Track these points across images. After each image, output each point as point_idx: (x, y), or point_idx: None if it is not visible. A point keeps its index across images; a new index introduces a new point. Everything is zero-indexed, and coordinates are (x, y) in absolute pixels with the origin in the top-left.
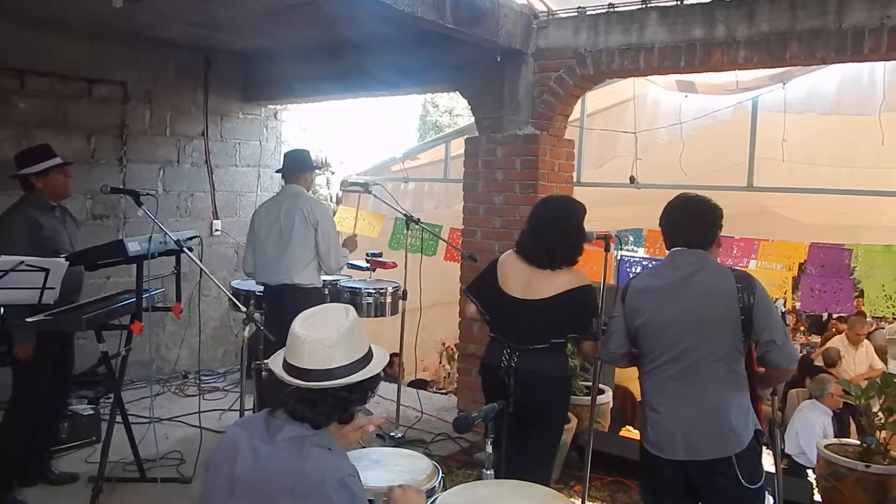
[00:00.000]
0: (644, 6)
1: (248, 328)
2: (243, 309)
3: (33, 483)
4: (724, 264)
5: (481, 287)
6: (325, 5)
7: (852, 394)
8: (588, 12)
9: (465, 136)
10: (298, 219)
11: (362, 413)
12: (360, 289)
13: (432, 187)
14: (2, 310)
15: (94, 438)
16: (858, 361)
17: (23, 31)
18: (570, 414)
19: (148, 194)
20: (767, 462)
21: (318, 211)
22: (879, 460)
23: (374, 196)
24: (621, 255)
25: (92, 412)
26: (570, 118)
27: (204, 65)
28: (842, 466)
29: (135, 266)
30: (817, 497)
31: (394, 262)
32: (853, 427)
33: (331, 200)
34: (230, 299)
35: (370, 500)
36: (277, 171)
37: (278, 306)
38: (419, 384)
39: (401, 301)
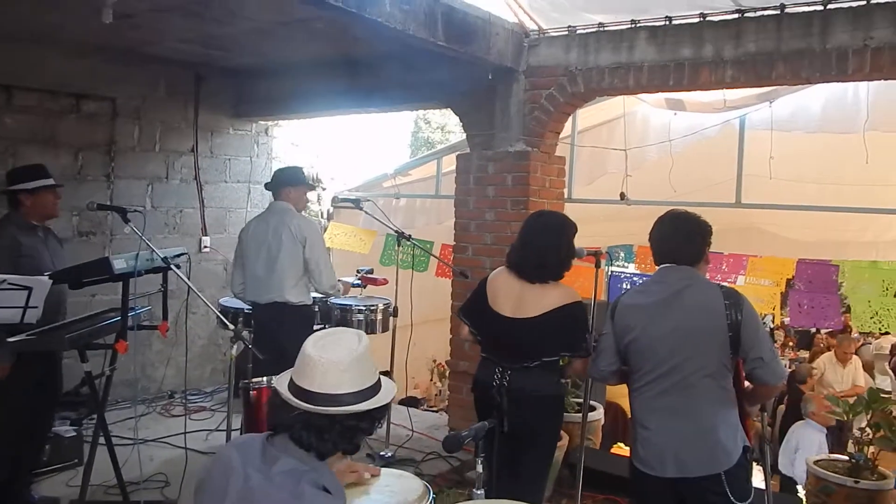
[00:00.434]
0: (633, 26)
1: (236, 346)
2: (231, 327)
3: None
4: (712, 280)
5: (473, 308)
6: (318, 23)
7: (840, 410)
8: (578, 31)
9: (457, 153)
10: (286, 236)
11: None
12: (351, 305)
13: (424, 203)
14: None
15: (76, 461)
16: (846, 379)
17: (11, 46)
18: (561, 431)
19: (135, 211)
20: (758, 478)
21: (306, 228)
22: (868, 476)
23: (366, 212)
24: (612, 272)
25: (74, 434)
26: (561, 135)
27: (195, 81)
28: (831, 482)
29: (120, 284)
30: None
31: (385, 279)
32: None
33: (322, 216)
34: (218, 317)
35: None
36: (266, 187)
37: (267, 324)
38: (410, 402)
39: (392, 318)
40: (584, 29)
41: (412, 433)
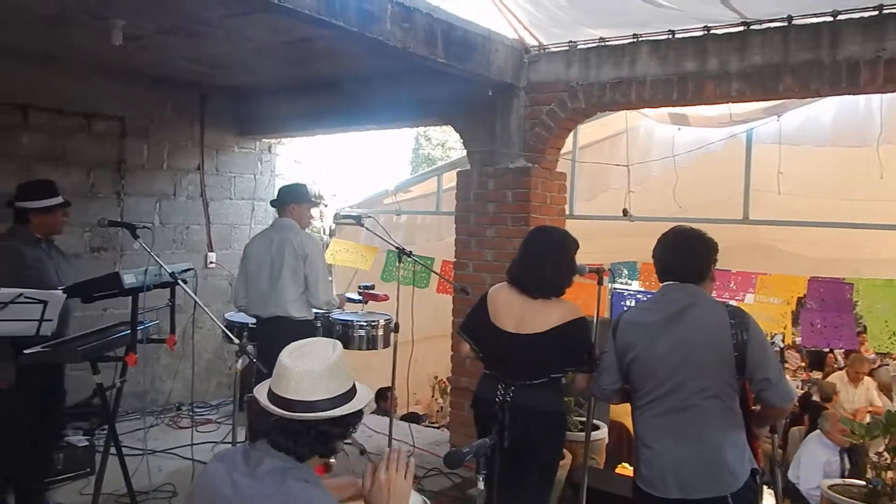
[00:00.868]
0: (635, 40)
1: (241, 360)
2: (236, 341)
3: None
4: (720, 298)
5: (473, 325)
6: (319, 41)
7: (855, 432)
8: (579, 46)
9: (458, 169)
10: (289, 252)
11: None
12: (352, 321)
13: (424, 220)
14: None
15: (88, 470)
16: (857, 399)
17: (26, 67)
18: (564, 450)
19: (144, 227)
20: (769, 501)
21: (308, 244)
22: (885, 502)
23: (367, 229)
24: (615, 289)
25: (87, 443)
26: (562, 151)
27: (200, 100)
28: None
29: (130, 298)
30: None
31: (386, 295)
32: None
33: (324, 233)
34: (224, 331)
35: None
36: (272, 204)
37: (270, 338)
38: (412, 418)
39: (393, 334)
40: (584, 44)
41: (414, 449)
